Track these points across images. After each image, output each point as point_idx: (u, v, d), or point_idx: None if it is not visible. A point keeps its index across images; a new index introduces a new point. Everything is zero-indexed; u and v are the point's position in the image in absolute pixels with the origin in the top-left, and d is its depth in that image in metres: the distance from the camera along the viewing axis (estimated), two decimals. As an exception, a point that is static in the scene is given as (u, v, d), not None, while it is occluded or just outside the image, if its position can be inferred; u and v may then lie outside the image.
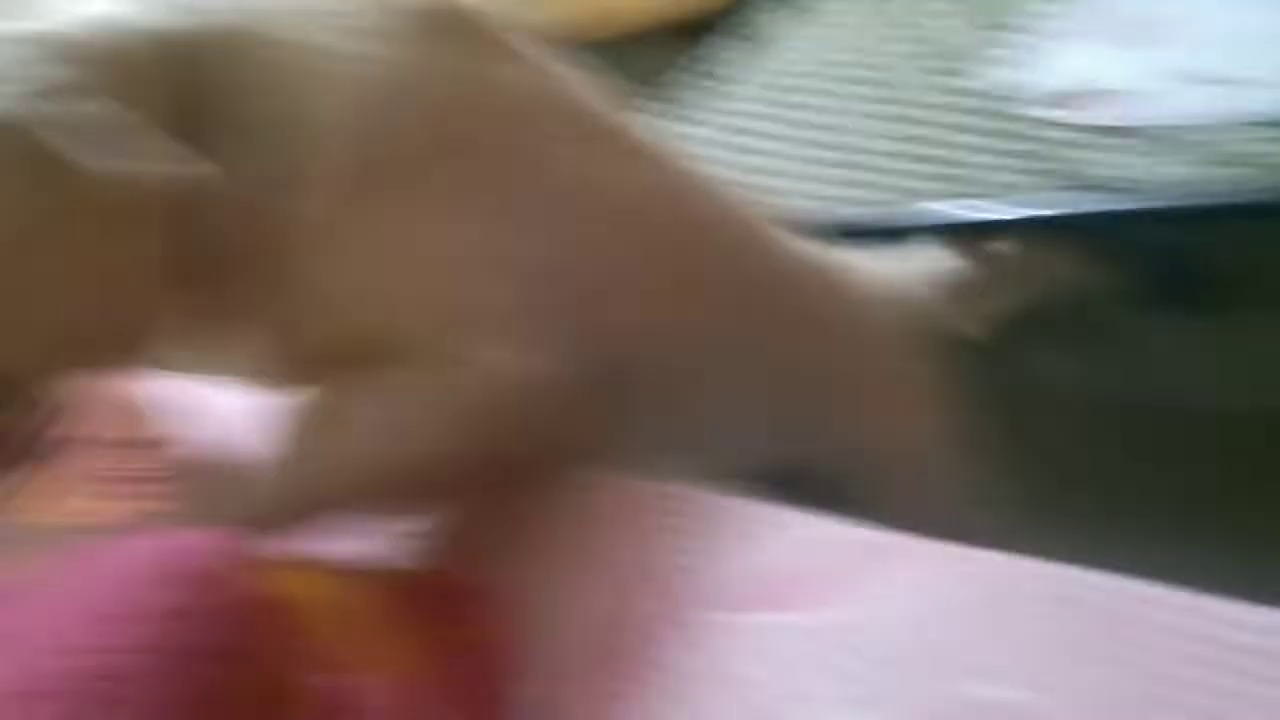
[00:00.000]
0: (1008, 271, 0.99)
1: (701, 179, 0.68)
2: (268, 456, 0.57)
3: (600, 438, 0.59)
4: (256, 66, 0.50)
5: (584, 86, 0.61)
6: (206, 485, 0.66)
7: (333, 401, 0.54)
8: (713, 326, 0.64)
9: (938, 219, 1.07)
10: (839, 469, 0.77)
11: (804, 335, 0.70)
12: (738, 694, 0.55)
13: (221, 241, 0.51)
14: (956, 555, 0.56)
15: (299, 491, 0.57)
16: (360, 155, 0.49)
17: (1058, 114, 1.09)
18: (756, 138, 1.41)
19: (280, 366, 0.56)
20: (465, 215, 0.52)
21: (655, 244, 0.60)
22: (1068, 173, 1.00)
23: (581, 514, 0.72)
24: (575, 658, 0.62)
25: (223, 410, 0.82)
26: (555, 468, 0.63)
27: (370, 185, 0.50)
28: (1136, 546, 1.12)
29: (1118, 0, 1.23)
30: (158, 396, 0.84)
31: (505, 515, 0.67)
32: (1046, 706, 0.47)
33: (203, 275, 0.52)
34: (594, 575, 0.66)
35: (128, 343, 0.55)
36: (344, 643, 0.62)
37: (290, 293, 0.51)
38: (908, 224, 1.10)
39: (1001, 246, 1.00)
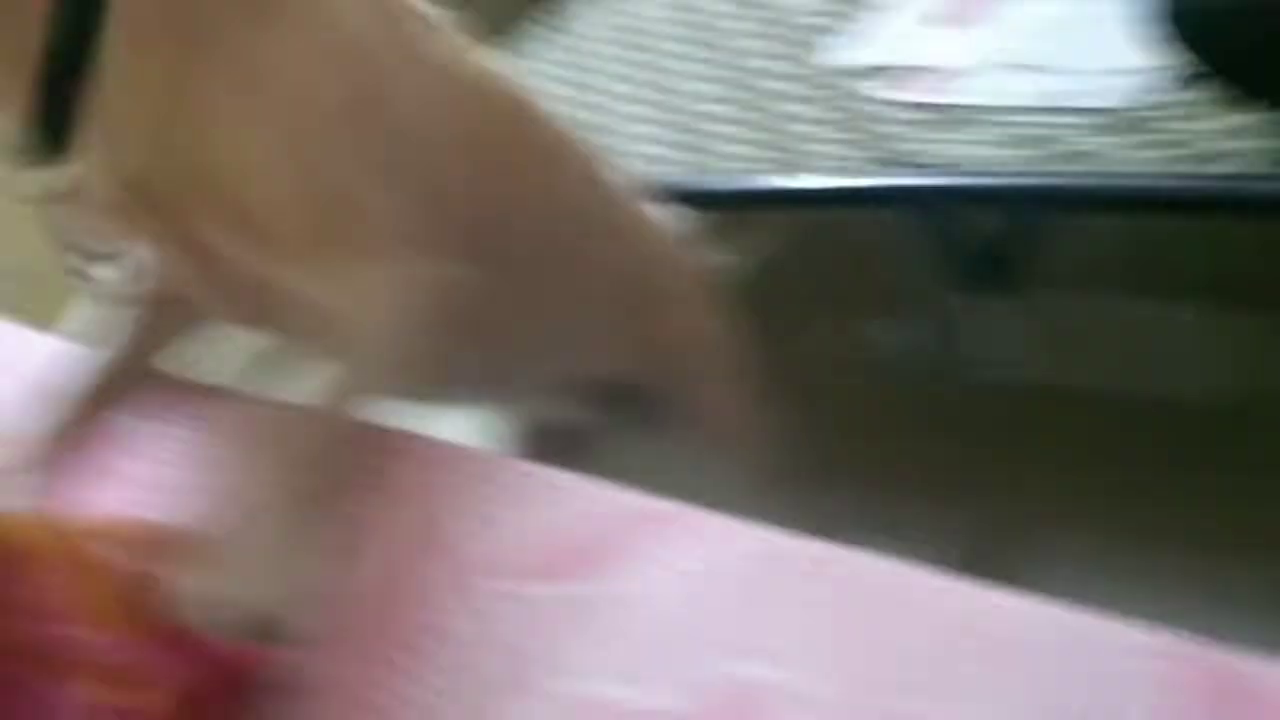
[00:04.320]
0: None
1: (536, 107, 0.70)
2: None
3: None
4: None
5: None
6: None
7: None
8: (548, 236, 0.67)
9: (761, 188, 1.07)
10: (658, 387, 0.82)
11: (624, 248, 0.74)
12: (509, 664, 0.53)
13: None
14: (735, 530, 0.55)
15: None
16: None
17: (882, 90, 1.10)
18: (597, 94, 1.39)
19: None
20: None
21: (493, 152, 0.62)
22: (888, 149, 1.01)
23: (366, 472, 0.69)
24: (347, 622, 0.60)
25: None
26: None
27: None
28: (915, 522, 1.16)
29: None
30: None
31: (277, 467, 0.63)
32: (808, 687, 0.47)
33: None
34: (373, 536, 0.64)
35: None
36: (71, 594, 0.58)
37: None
38: (735, 190, 1.10)
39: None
